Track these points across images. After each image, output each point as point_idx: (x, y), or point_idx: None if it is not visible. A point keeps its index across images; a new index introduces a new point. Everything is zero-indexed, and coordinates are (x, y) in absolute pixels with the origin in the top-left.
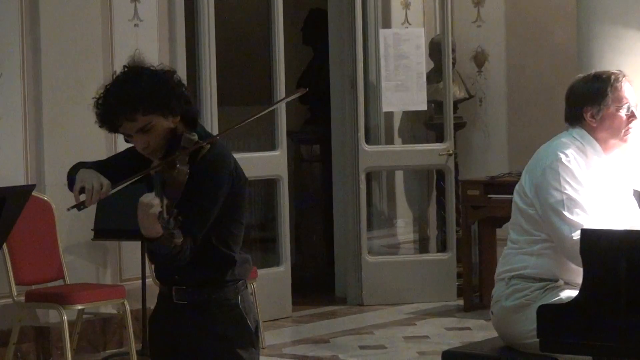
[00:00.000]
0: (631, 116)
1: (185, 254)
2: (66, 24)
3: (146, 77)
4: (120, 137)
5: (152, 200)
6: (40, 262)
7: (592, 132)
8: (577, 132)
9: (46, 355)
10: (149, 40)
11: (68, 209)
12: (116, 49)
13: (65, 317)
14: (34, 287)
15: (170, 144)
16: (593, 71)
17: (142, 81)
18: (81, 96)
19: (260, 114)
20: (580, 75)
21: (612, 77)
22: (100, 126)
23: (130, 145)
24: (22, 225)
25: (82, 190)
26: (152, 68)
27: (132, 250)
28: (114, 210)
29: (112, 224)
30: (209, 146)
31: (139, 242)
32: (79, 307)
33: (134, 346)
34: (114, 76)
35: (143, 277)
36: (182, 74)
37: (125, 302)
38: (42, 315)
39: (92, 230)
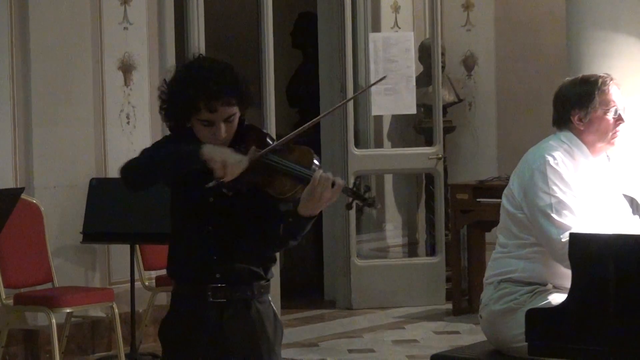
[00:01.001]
0: (618, 119)
1: None
2: (56, 26)
3: (237, 70)
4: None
5: (329, 175)
6: (29, 265)
7: (579, 135)
8: (565, 135)
9: (35, 359)
10: (139, 43)
11: (209, 185)
12: (106, 51)
13: (53, 320)
14: (22, 290)
15: (233, 138)
16: (580, 75)
17: (238, 72)
18: (71, 99)
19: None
20: (568, 78)
21: (600, 80)
22: (169, 107)
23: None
24: (11, 228)
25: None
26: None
27: (120, 253)
28: (102, 213)
29: (101, 227)
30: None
31: (128, 245)
32: (68, 310)
33: (122, 349)
34: (188, 63)
35: (132, 280)
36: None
37: (114, 306)
38: (30, 318)
39: (80, 233)
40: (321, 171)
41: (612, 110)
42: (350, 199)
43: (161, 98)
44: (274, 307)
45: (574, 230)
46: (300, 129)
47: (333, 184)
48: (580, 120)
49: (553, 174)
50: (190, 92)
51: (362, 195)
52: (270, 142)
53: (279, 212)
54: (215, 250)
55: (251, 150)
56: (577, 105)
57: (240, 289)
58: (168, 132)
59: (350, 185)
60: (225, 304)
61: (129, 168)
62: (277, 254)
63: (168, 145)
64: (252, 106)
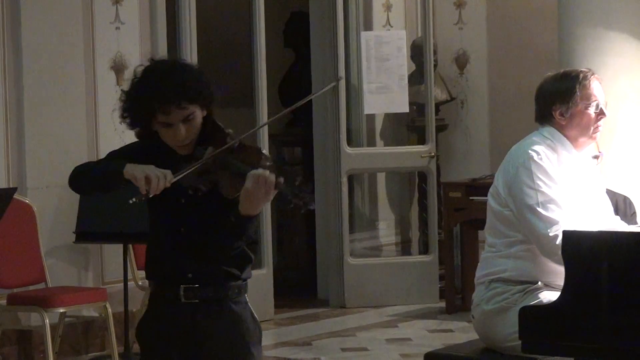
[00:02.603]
0: (600, 114)
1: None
2: (48, 26)
3: (191, 68)
4: (102, 139)
5: (264, 172)
6: (22, 265)
7: (561, 130)
8: (547, 130)
9: (28, 359)
10: (131, 43)
11: (131, 202)
12: (98, 51)
13: (47, 320)
14: (15, 290)
15: (199, 137)
16: (562, 70)
17: (191, 71)
18: (63, 99)
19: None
20: (550, 74)
21: (581, 75)
22: (128, 116)
23: (131, 142)
24: (4, 228)
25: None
26: (185, 62)
27: (113, 253)
28: (95, 213)
29: (94, 226)
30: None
31: (121, 245)
32: (61, 310)
33: (116, 349)
34: (144, 68)
35: (125, 280)
36: None
37: (107, 305)
38: (24, 318)
39: (73, 233)
40: (260, 170)
41: (594, 104)
42: (289, 199)
43: (121, 107)
44: (252, 308)
45: (561, 224)
46: (254, 129)
47: (265, 181)
48: (561, 115)
49: (537, 168)
50: (143, 98)
51: (292, 196)
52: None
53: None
54: (187, 250)
55: (207, 150)
56: (559, 100)
57: (213, 290)
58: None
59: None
60: (197, 304)
61: (75, 173)
62: (258, 253)
63: (112, 158)
64: (213, 104)
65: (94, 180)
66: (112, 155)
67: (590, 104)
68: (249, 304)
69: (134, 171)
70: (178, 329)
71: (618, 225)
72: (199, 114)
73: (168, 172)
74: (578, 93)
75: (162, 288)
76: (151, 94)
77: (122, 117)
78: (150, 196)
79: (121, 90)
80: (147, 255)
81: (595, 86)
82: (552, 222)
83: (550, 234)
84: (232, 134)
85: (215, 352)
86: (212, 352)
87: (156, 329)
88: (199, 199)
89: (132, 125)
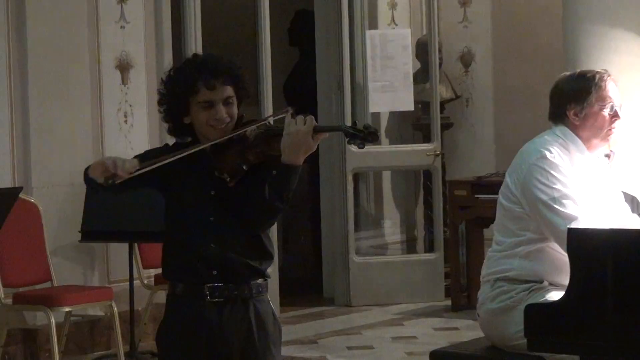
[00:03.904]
0: (614, 116)
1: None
2: (53, 25)
3: (237, 62)
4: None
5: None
6: (28, 264)
7: (575, 130)
8: (560, 129)
9: (34, 358)
10: (136, 42)
11: (104, 184)
12: (103, 50)
13: (52, 319)
14: (21, 289)
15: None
16: (578, 70)
17: (234, 61)
18: (68, 98)
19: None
20: (566, 73)
21: (597, 76)
22: (167, 100)
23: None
24: (9, 228)
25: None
26: None
27: (119, 252)
28: (101, 211)
29: (100, 225)
30: None
31: (127, 244)
32: (67, 309)
33: (122, 348)
34: (192, 56)
35: (131, 279)
36: None
37: (113, 304)
38: (29, 317)
39: (79, 232)
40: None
41: (609, 106)
42: (347, 138)
43: (160, 93)
44: (273, 307)
45: (580, 220)
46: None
47: (304, 120)
48: (575, 115)
49: (551, 167)
50: (188, 74)
51: (354, 128)
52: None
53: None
54: (214, 240)
55: (249, 130)
56: (574, 100)
57: (238, 288)
58: (165, 132)
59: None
60: (223, 303)
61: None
62: (274, 251)
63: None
64: (247, 97)
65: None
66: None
67: (605, 105)
68: (271, 303)
69: (95, 164)
70: (204, 328)
71: (635, 222)
72: (236, 103)
73: (132, 159)
74: (594, 94)
75: (185, 288)
76: (198, 69)
77: (160, 103)
78: (122, 175)
79: (161, 78)
80: (165, 255)
81: (611, 87)
82: (571, 218)
83: None
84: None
85: (240, 351)
86: (238, 351)
87: (180, 331)
88: (229, 190)
89: (166, 113)
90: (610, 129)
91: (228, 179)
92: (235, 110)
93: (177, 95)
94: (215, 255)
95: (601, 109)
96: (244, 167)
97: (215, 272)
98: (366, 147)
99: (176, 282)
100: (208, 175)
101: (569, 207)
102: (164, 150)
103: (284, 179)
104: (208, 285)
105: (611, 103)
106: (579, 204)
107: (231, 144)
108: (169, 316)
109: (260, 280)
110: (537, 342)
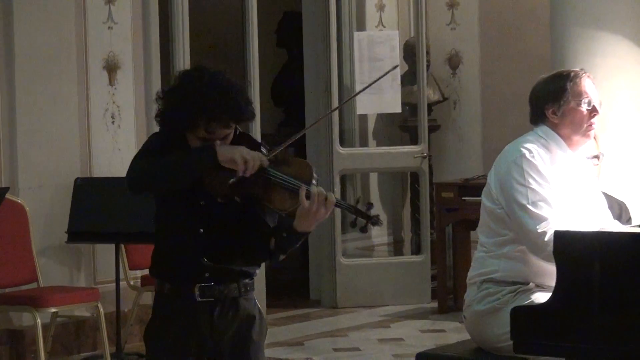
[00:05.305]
0: (593, 111)
1: None
2: (40, 26)
3: (243, 90)
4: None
5: (322, 190)
6: (14, 265)
7: (555, 128)
8: (541, 129)
9: (20, 358)
10: (123, 43)
11: (230, 183)
12: (90, 51)
13: (39, 320)
14: (7, 290)
15: None
16: (554, 72)
17: (243, 93)
18: (55, 99)
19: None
20: (542, 76)
21: (572, 73)
22: (167, 122)
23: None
24: None
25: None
26: (233, 80)
27: (106, 253)
28: (87, 212)
29: (86, 226)
30: None
31: (113, 245)
32: (53, 310)
33: (107, 349)
34: (193, 76)
35: (117, 280)
36: (156, 77)
37: (99, 305)
38: (15, 318)
39: (66, 232)
40: (320, 188)
41: (585, 101)
42: (354, 217)
43: (159, 107)
44: (259, 305)
45: (550, 221)
46: (293, 137)
47: (326, 199)
48: (554, 113)
49: (529, 166)
50: (189, 109)
51: (364, 213)
52: (265, 152)
53: (265, 222)
54: (205, 252)
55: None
56: (551, 99)
57: (227, 287)
58: (153, 132)
59: (353, 203)
60: (213, 302)
61: (139, 171)
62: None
63: (175, 152)
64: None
65: (176, 170)
66: (146, 152)
67: (581, 101)
68: (257, 301)
69: (230, 153)
70: (195, 327)
71: (611, 224)
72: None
73: (260, 154)
74: (569, 91)
75: (174, 287)
76: (201, 108)
77: (157, 116)
78: (248, 175)
79: (163, 90)
80: (156, 254)
81: (587, 84)
82: (541, 219)
83: (539, 230)
84: (264, 143)
85: (231, 350)
86: (228, 349)
87: (170, 329)
88: (220, 203)
89: (163, 126)
90: (590, 125)
91: (220, 200)
92: (229, 139)
93: (175, 120)
94: (207, 264)
95: (578, 105)
96: (237, 200)
97: (207, 275)
98: (354, 150)
99: (165, 281)
100: (199, 184)
101: (540, 208)
102: (162, 144)
103: (293, 242)
104: (199, 285)
105: (588, 98)
106: (553, 206)
107: (223, 169)
108: (157, 315)
109: (247, 280)
110: (523, 344)
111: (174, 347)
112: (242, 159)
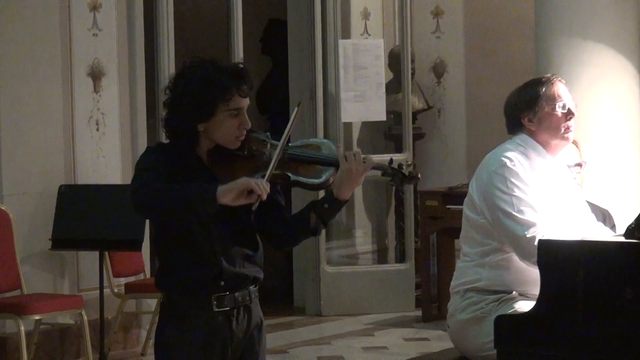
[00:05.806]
0: (568, 114)
1: None
2: (24, 32)
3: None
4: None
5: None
6: None
7: (533, 136)
8: (520, 137)
9: None
10: (108, 50)
11: (253, 208)
12: (75, 58)
13: (22, 328)
14: None
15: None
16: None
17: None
18: (40, 105)
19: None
20: (515, 88)
21: (544, 79)
22: (189, 113)
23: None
24: None
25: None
26: None
27: (89, 260)
28: (71, 220)
29: (70, 233)
30: None
31: (97, 252)
32: (37, 317)
33: (91, 356)
34: (201, 60)
35: (101, 288)
36: (140, 83)
37: (83, 313)
38: None
39: (49, 239)
40: (349, 152)
41: (560, 104)
42: (389, 178)
43: (171, 104)
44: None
45: (538, 226)
46: (290, 125)
47: (364, 159)
48: (530, 120)
49: (510, 174)
50: (221, 80)
51: (400, 171)
52: (267, 139)
53: (283, 207)
54: (221, 254)
55: (267, 151)
56: (525, 107)
57: (241, 295)
58: (137, 140)
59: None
60: (228, 311)
61: (147, 194)
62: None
63: (180, 185)
64: None
65: (177, 207)
66: (148, 169)
67: (556, 105)
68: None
69: (231, 191)
70: (215, 336)
71: (595, 230)
72: None
73: (264, 173)
74: (542, 96)
75: (190, 299)
76: (232, 76)
77: (172, 105)
78: (266, 196)
79: (167, 88)
80: (165, 266)
81: (560, 87)
82: (529, 225)
83: (528, 236)
84: (263, 132)
85: (242, 354)
86: (239, 353)
87: (191, 340)
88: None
89: (180, 118)
90: (567, 127)
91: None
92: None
93: (204, 99)
94: (223, 270)
95: (553, 110)
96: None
97: (222, 283)
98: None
99: (179, 293)
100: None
101: (527, 214)
102: (164, 159)
103: (334, 212)
104: (215, 295)
105: (562, 102)
106: (538, 211)
107: (238, 159)
108: (172, 327)
109: (257, 286)
110: (506, 353)
111: (196, 357)
112: (248, 190)
